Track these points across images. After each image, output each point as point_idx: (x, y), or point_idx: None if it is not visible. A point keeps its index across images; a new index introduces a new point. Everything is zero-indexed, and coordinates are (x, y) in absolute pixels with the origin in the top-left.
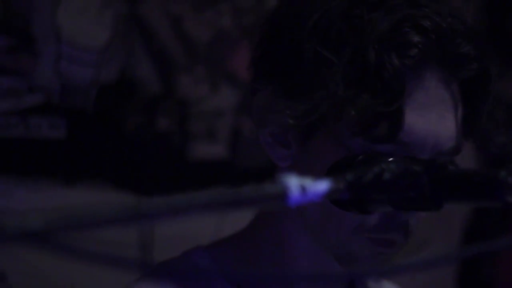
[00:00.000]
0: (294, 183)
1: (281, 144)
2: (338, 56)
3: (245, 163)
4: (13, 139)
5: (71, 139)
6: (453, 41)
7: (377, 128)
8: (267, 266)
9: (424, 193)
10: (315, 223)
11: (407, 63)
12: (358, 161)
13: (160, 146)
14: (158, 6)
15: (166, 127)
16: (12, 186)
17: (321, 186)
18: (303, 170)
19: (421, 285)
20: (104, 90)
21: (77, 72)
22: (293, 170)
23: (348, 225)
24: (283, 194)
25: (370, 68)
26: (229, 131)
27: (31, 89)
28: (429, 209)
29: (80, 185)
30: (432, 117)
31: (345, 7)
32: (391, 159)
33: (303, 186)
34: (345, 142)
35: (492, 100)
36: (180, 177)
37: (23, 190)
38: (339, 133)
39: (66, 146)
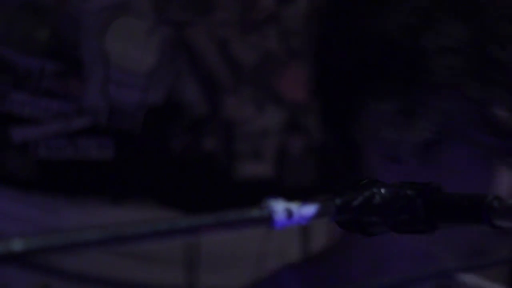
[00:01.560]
0: (280, 207)
1: (393, 160)
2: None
3: (291, 182)
4: (63, 161)
5: (118, 159)
6: None
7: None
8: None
9: (418, 216)
10: None
11: None
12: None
13: (206, 166)
14: (205, 30)
15: (212, 148)
16: (61, 205)
17: (308, 210)
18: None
19: None
20: (151, 112)
21: (125, 95)
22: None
23: None
24: (269, 218)
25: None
26: (274, 151)
27: (79, 112)
28: (424, 231)
29: (128, 204)
30: None
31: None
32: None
33: (290, 210)
34: (485, 143)
35: None
36: (227, 197)
37: (72, 209)
38: (475, 138)
39: (113, 166)
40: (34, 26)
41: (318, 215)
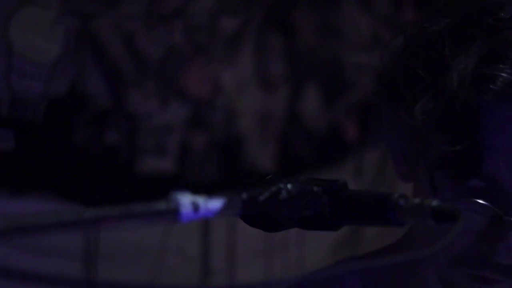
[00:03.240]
0: (186, 200)
1: (403, 158)
2: (431, 79)
3: (193, 178)
4: None
5: (19, 151)
6: None
7: (457, 164)
8: (401, 282)
9: (324, 212)
10: None
11: (490, 99)
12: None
13: (108, 160)
14: (111, 22)
15: (115, 141)
16: None
17: (214, 204)
18: (419, 192)
19: None
20: (54, 103)
21: (27, 85)
22: (414, 191)
23: (442, 257)
24: (175, 211)
25: (446, 101)
26: (178, 146)
27: None
28: (329, 228)
29: (28, 195)
30: None
31: (457, 24)
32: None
33: (196, 204)
34: (433, 174)
35: None
36: (128, 191)
37: None
38: (425, 164)
39: (14, 157)
40: None
41: (224, 210)
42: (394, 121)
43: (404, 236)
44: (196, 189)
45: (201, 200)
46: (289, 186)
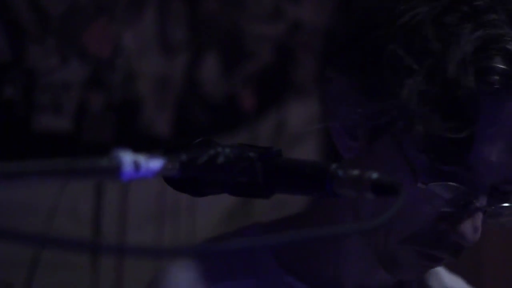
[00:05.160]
0: (127, 159)
1: (349, 136)
2: (419, 66)
3: (90, 138)
4: None
5: None
6: None
7: (443, 150)
8: (317, 256)
9: (256, 180)
10: None
11: (485, 90)
12: (195, 144)
13: (4, 114)
14: None
15: (11, 96)
16: None
17: (154, 163)
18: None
19: None
20: None
21: None
22: (356, 164)
23: (398, 234)
24: (117, 169)
25: (447, 87)
26: (75, 105)
27: None
28: (261, 196)
29: None
30: (504, 147)
31: (436, 13)
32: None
33: (137, 163)
34: (408, 155)
35: None
36: (23, 147)
37: None
38: (404, 145)
39: None
40: None
41: (163, 170)
42: (346, 92)
43: (313, 208)
44: (91, 150)
45: (142, 159)
46: (226, 150)
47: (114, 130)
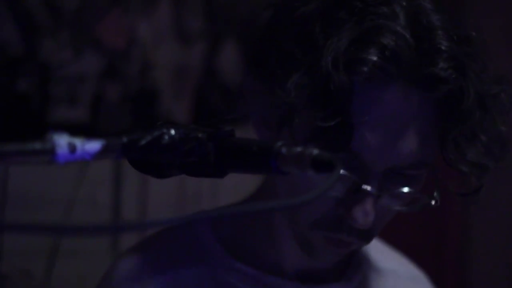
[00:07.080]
0: (63, 140)
1: (265, 126)
2: (303, 59)
3: (106, 129)
4: None
5: None
6: (416, 59)
7: (327, 139)
8: (260, 241)
9: (208, 160)
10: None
11: (356, 79)
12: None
13: (20, 108)
14: None
15: (27, 89)
16: None
17: (93, 145)
18: None
19: None
20: None
21: None
22: None
23: (304, 219)
24: (51, 151)
25: (320, 79)
26: (91, 96)
27: None
28: (214, 175)
29: None
30: (387, 132)
31: (327, 8)
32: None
33: (73, 145)
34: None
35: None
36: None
37: None
38: (296, 136)
39: None
40: None
41: (102, 152)
42: (258, 90)
43: (261, 188)
44: None
45: (78, 141)
46: (172, 131)
47: (131, 121)
